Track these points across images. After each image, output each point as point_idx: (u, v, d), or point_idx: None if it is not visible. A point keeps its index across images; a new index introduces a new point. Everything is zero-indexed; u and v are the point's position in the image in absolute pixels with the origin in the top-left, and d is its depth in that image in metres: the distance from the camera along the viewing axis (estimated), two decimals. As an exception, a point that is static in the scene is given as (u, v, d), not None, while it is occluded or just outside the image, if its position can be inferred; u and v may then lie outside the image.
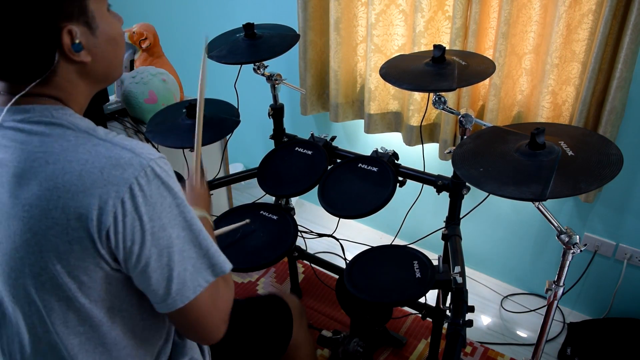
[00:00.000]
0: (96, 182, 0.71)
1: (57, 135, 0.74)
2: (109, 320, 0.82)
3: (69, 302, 0.77)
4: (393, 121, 2.04)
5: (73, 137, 0.74)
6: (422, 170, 1.50)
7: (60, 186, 0.71)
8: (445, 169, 1.96)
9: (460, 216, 1.49)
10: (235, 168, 2.82)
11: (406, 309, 1.91)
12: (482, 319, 1.99)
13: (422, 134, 1.94)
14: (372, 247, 1.42)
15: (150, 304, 0.83)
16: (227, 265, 0.85)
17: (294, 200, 1.96)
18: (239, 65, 1.59)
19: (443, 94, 1.33)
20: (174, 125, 1.49)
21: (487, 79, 1.55)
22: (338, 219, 1.49)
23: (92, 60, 0.77)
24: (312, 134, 1.66)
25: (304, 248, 1.96)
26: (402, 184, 1.46)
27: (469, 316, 1.14)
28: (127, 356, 0.87)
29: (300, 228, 1.54)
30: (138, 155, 0.74)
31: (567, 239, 1.06)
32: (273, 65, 1.63)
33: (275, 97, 1.68)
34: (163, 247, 0.76)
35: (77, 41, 0.73)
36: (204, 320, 0.83)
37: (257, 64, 1.59)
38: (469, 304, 1.18)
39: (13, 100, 0.75)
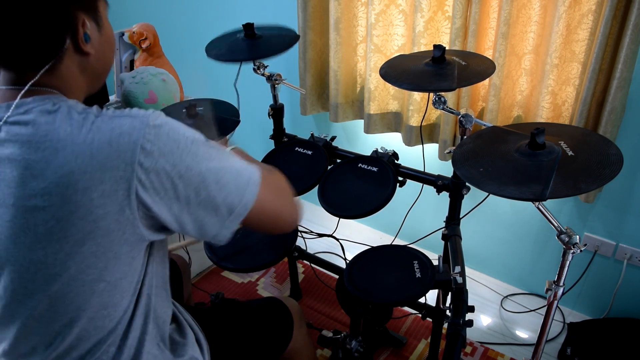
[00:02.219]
0: (109, 156, 0.74)
1: (59, 121, 0.76)
2: (131, 297, 0.85)
3: (94, 284, 0.79)
4: (393, 121, 2.04)
5: (74, 121, 0.76)
6: (422, 170, 1.50)
7: (75, 170, 0.73)
8: (445, 169, 1.96)
9: (460, 216, 1.49)
10: (235, 168, 2.81)
11: (406, 309, 1.91)
12: (482, 319, 1.99)
13: (422, 134, 1.94)
14: (372, 247, 1.42)
15: (164, 279, 0.91)
16: (257, 172, 0.89)
17: (294, 200, 1.96)
18: (239, 65, 1.59)
19: (443, 94, 1.33)
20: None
21: (487, 79, 1.55)
22: (338, 219, 1.49)
23: (94, 55, 0.83)
24: (312, 134, 1.66)
25: (304, 248, 1.96)
26: (402, 184, 1.46)
27: (469, 316, 1.14)
28: (142, 334, 0.90)
29: (300, 228, 1.54)
30: (135, 117, 0.77)
31: (567, 239, 1.06)
32: (273, 65, 1.63)
33: (275, 97, 1.68)
34: (196, 184, 0.79)
35: (87, 31, 0.80)
36: (275, 212, 0.93)
37: (257, 64, 1.59)
38: (469, 304, 1.18)
39: (26, 88, 0.77)
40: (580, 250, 1.06)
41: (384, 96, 1.99)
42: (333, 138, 1.64)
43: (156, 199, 0.77)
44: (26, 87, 0.78)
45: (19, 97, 0.77)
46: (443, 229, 1.49)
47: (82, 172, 0.73)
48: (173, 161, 0.77)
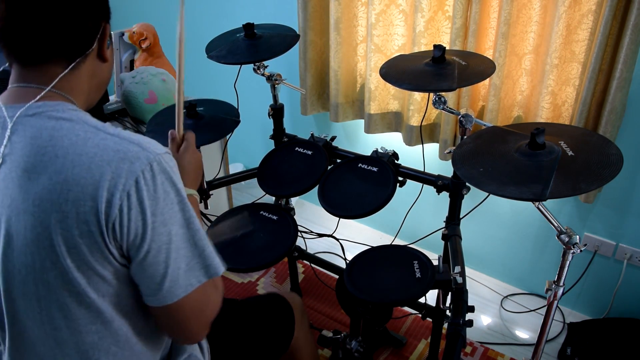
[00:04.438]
0: (104, 175, 0.73)
1: (66, 129, 0.76)
2: (119, 316, 0.83)
3: (80, 297, 0.78)
4: (393, 121, 2.04)
5: (82, 132, 0.76)
6: (422, 170, 1.50)
7: (70, 179, 0.73)
8: (445, 169, 1.96)
9: (460, 216, 1.49)
10: (235, 168, 2.82)
11: (406, 309, 1.91)
12: (482, 319, 1.99)
13: (422, 134, 1.94)
14: (372, 247, 1.42)
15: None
16: (221, 267, 0.85)
17: (294, 200, 1.96)
18: (239, 65, 1.59)
19: (443, 94, 1.33)
20: (173, 126, 1.48)
21: (487, 79, 1.55)
22: (338, 219, 1.49)
23: (107, 64, 0.87)
24: (312, 134, 1.66)
25: (304, 248, 1.96)
26: (402, 184, 1.46)
27: (469, 316, 1.14)
28: (139, 354, 0.88)
29: (300, 228, 1.54)
30: (145, 149, 0.77)
31: (567, 239, 1.06)
32: (273, 65, 1.63)
33: (275, 97, 1.68)
34: (162, 243, 0.77)
35: (108, 40, 0.85)
36: (188, 321, 0.84)
37: (257, 64, 1.59)
38: (469, 304, 1.18)
39: (48, 88, 0.78)
40: (580, 250, 1.06)
41: (384, 96, 1.99)
42: (333, 138, 1.64)
43: (124, 238, 0.76)
44: (48, 88, 0.78)
45: (37, 97, 0.77)
46: (443, 229, 1.49)
47: (75, 183, 0.73)
48: (154, 209, 0.76)
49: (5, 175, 0.76)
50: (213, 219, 1.55)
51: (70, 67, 0.80)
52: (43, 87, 0.79)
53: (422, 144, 1.94)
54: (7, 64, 0.81)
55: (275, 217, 1.51)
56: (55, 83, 0.79)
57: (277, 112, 1.70)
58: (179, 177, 0.80)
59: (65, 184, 0.73)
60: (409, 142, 1.97)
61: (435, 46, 1.30)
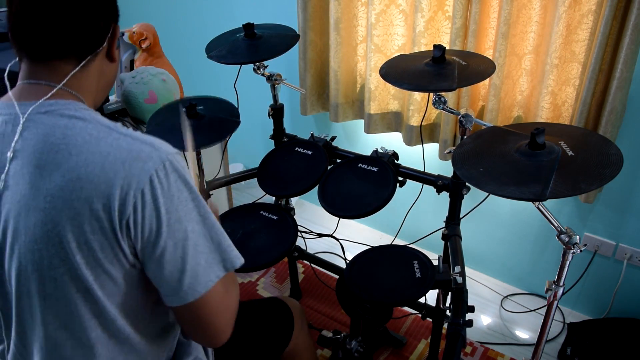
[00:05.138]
0: (118, 173, 0.74)
1: (79, 128, 0.77)
2: (122, 315, 0.83)
3: (87, 294, 0.78)
4: (393, 121, 2.04)
5: (95, 131, 0.77)
6: (422, 170, 1.50)
7: (83, 177, 0.73)
8: (445, 169, 1.96)
9: (460, 216, 1.49)
10: (235, 168, 2.82)
11: (406, 309, 1.91)
12: (482, 319, 1.99)
13: (422, 134, 1.94)
14: (372, 247, 1.42)
15: (162, 304, 0.85)
16: (239, 260, 0.86)
17: (294, 200, 1.96)
18: (239, 65, 1.59)
19: (443, 94, 1.33)
20: (174, 126, 1.49)
21: (487, 79, 1.55)
22: (338, 219, 1.49)
23: (114, 65, 0.88)
24: (312, 134, 1.66)
25: (304, 248, 1.96)
26: (402, 184, 1.46)
27: (469, 316, 1.14)
28: (141, 352, 0.88)
29: (300, 228, 1.54)
30: (157, 149, 0.78)
31: (567, 239, 1.06)
32: (273, 65, 1.63)
33: (275, 97, 1.68)
34: (178, 239, 0.78)
35: (118, 40, 0.87)
36: (213, 318, 0.84)
37: (257, 64, 1.59)
38: (469, 304, 1.18)
39: (59, 86, 0.79)
40: (580, 250, 1.06)
41: (384, 96, 1.99)
42: (333, 138, 1.64)
43: (138, 236, 0.76)
44: (59, 85, 0.79)
45: (49, 94, 0.78)
46: (443, 229, 1.49)
47: (88, 181, 0.73)
48: (168, 207, 0.77)
49: (15, 171, 0.76)
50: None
51: (80, 65, 0.81)
52: (54, 84, 0.79)
53: (422, 144, 1.94)
54: (11, 63, 0.82)
55: (275, 217, 1.51)
56: (66, 81, 0.80)
57: (277, 112, 1.70)
58: (190, 175, 0.81)
59: (79, 181, 0.73)
60: (409, 142, 1.97)
61: (435, 46, 1.30)
